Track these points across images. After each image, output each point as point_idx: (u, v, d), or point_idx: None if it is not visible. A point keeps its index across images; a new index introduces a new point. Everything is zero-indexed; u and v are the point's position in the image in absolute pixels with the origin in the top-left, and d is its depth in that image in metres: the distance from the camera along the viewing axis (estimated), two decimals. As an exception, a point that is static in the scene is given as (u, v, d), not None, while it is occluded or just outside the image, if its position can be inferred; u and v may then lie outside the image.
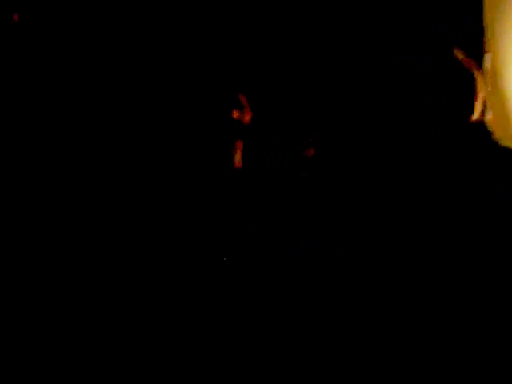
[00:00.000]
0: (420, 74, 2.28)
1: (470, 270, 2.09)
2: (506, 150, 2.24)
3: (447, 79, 2.29)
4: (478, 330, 2.06)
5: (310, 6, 2.40)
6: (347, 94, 2.33)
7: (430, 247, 2.12)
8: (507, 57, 2.89)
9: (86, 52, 2.41)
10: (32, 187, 2.35)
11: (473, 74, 2.32)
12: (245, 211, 2.31)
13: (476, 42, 2.48)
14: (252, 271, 2.21)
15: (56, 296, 2.26)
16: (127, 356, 2.20)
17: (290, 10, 2.42)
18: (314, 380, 2.09)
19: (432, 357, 2.06)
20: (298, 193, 2.27)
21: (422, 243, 2.13)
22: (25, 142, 2.36)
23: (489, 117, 2.33)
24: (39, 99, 2.39)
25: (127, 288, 2.26)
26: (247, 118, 2.47)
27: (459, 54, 2.31)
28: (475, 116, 2.30)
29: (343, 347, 2.09)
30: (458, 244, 2.11)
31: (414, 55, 2.32)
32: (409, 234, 2.14)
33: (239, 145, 2.46)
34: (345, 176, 2.26)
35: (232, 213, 2.32)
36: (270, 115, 2.48)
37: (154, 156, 2.39)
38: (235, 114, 2.47)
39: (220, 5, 2.47)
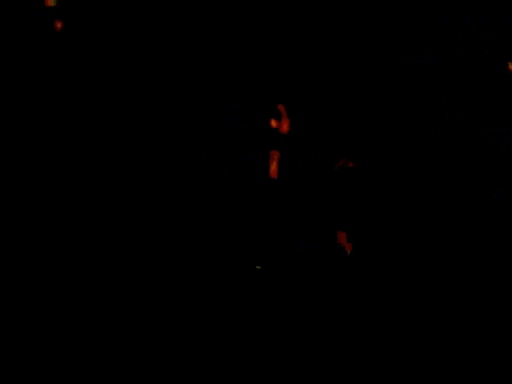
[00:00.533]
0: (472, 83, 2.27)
1: (472, 269, 2.07)
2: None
3: (499, 91, 2.28)
4: (477, 330, 2.03)
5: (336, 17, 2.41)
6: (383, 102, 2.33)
7: (431, 247, 2.11)
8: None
9: (100, 54, 2.45)
10: (32, 187, 2.37)
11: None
12: (247, 213, 2.31)
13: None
14: (252, 271, 2.20)
15: (57, 296, 2.26)
16: (127, 355, 2.19)
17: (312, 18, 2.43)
18: (314, 380, 2.07)
19: (432, 357, 2.04)
20: (305, 195, 2.27)
21: (422, 243, 2.12)
22: (25, 142, 2.40)
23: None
24: (40, 99, 2.43)
25: (127, 287, 2.26)
26: (285, 127, 2.46)
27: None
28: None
29: (343, 347, 2.07)
30: (463, 244, 2.10)
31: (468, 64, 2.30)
32: (411, 234, 2.14)
33: (275, 155, 2.44)
34: (346, 176, 2.26)
35: (234, 214, 2.31)
36: (308, 125, 2.46)
37: (170, 157, 2.40)
38: (273, 124, 2.46)
39: (260, 19, 2.49)
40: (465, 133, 2.18)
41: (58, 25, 2.42)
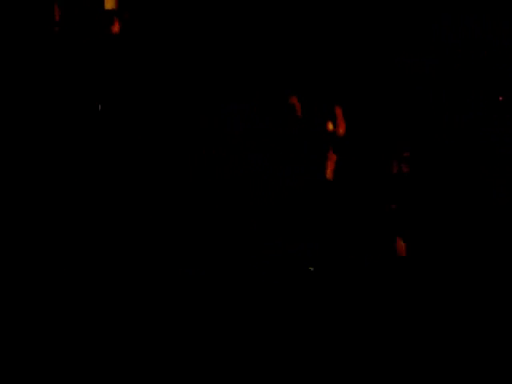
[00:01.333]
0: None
1: (471, 269, 2.08)
2: None
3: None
4: (478, 330, 2.04)
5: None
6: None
7: (431, 247, 2.12)
8: None
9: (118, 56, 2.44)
10: (33, 187, 2.36)
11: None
12: (248, 213, 2.31)
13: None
14: (251, 271, 2.20)
15: (57, 296, 2.25)
16: (127, 355, 2.19)
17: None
18: (314, 380, 2.08)
19: (432, 357, 2.05)
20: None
21: (422, 243, 2.12)
22: (26, 142, 2.38)
23: None
24: (42, 100, 2.42)
25: (128, 287, 2.25)
26: (341, 130, 2.48)
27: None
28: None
29: (343, 346, 2.07)
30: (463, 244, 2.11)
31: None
32: (411, 234, 2.14)
33: (332, 156, 2.46)
34: (348, 177, 2.26)
35: (233, 214, 2.31)
36: (364, 128, 2.48)
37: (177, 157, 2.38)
38: (330, 126, 2.47)
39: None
40: (465, 133, 2.18)
41: (116, 27, 2.43)
